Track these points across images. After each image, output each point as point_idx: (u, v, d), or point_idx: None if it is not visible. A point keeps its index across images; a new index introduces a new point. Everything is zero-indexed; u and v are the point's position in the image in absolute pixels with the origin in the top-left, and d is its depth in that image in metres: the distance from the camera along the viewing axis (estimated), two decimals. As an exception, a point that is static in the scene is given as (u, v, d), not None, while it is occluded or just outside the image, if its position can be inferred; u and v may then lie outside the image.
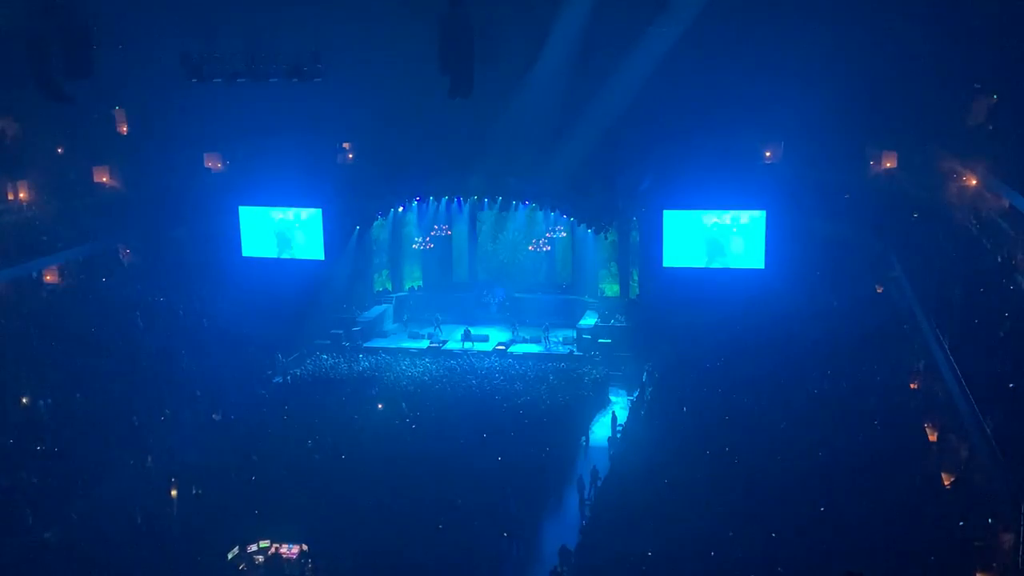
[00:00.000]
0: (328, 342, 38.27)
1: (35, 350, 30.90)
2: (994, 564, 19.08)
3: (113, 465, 26.43)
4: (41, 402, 28.88)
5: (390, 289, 43.47)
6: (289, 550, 22.32)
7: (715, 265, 36.54)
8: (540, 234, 41.56)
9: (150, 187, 39.51)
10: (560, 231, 41.38)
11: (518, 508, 23.93)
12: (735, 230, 36.49)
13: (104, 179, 39.61)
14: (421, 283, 44.12)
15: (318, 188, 39.68)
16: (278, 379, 34.82)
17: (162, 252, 39.52)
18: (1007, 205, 28.04)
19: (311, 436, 28.27)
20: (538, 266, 43.27)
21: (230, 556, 22.07)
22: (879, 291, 32.38)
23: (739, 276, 35.87)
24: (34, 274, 34.88)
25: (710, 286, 35.35)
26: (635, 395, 32.23)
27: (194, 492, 25.05)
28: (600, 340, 36.95)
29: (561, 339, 38.28)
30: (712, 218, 36.63)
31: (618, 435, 29.39)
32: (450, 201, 40.84)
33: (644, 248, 38.52)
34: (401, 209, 41.55)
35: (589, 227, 39.10)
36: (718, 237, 36.59)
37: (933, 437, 23.96)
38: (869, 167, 35.21)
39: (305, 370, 35.72)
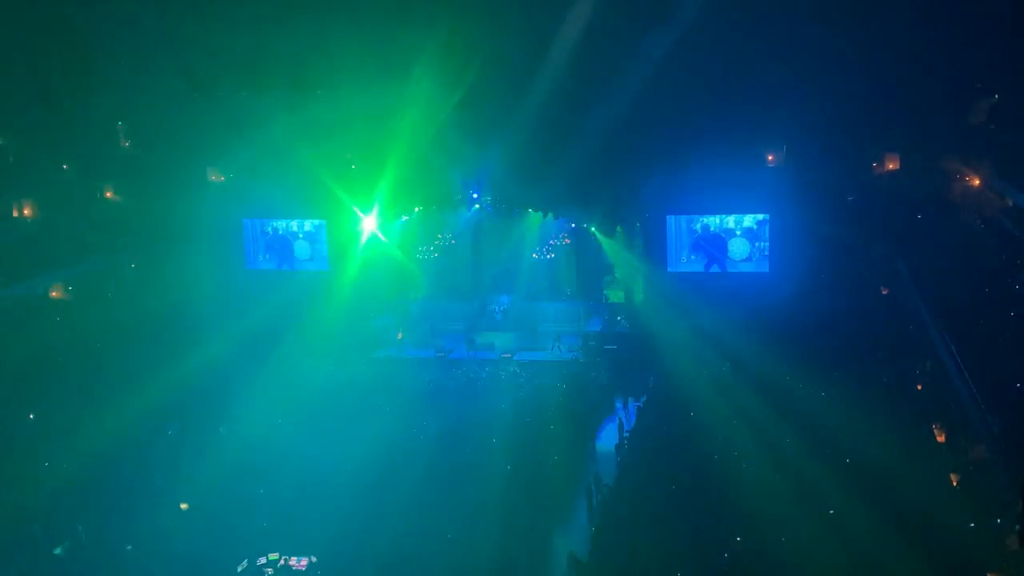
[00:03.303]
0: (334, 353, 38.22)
1: (41, 366, 30.92)
2: (1005, 566, 19.00)
3: (121, 480, 26.42)
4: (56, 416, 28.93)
5: (395, 299, 43.49)
6: (299, 562, 22.33)
7: (719, 269, 36.55)
8: (543, 241, 41.56)
9: (153, 201, 39.53)
10: (563, 238, 41.38)
11: (526, 515, 23.87)
12: (739, 234, 36.51)
13: (108, 194, 39.68)
14: (425, 292, 44.16)
15: (322, 198, 39.71)
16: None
17: (166, 265, 39.54)
18: (1011, 204, 28.01)
19: (318, 447, 28.26)
20: (542, 273, 43.29)
21: (239, 569, 22.07)
22: (884, 293, 32.32)
23: (744, 280, 35.86)
24: (40, 290, 34.96)
25: (715, 290, 35.35)
26: (642, 401, 32.19)
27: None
28: (606, 346, 36.92)
29: (566, 346, 38.29)
30: (716, 222, 36.67)
31: (625, 441, 29.36)
32: (453, 209, 40.87)
33: (648, 253, 38.50)
34: (405, 218, 41.62)
35: (592, 233, 39.13)
36: (722, 241, 36.60)
37: (941, 438, 23.91)
38: (872, 169, 35.15)
39: (311, 381, 35.64)
